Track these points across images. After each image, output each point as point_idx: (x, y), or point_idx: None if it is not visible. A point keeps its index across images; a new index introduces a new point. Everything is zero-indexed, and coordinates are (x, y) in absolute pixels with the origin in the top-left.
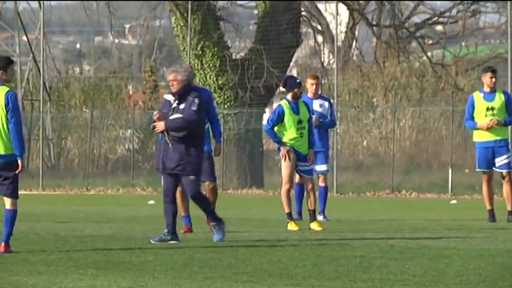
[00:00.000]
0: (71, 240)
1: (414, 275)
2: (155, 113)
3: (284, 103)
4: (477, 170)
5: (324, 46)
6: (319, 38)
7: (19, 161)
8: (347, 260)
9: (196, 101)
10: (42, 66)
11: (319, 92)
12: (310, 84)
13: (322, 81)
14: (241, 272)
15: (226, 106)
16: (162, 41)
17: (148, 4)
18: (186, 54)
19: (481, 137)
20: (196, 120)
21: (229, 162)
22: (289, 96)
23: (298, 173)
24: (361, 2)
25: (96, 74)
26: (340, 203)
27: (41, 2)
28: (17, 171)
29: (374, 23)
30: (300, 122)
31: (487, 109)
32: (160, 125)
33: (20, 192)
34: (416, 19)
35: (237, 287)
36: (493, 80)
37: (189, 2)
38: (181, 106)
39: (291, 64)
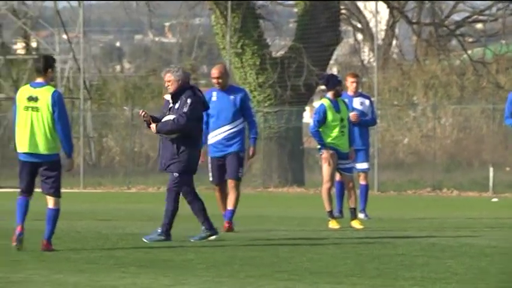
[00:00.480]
0: (112, 238)
1: (456, 273)
2: (140, 111)
3: (326, 102)
4: None
5: (363, 44)
6: (359, 36)
7: (70, 160)
8: (388, 258)
9: (189, 101)
10: (83, 65)
11: (360, 90)
12: (350, 82)
13: (362, 80)
14: (282, 271)
15: (266, 104)
16: (202, 39)
17: (188, 2)
18: (226, 53)
19: None
20: (185, 122)
21: (269, 160)
22: (330, 94)
23: (339, 171)
24: (401, 0)
25: (136, 72)
26: (381, 201)
27: (81, 0)
28: (67, 170)
29: (414, 21)
30: (341, 120)
31: None
32: (152, 128)
33: (61, 190)
34: (456, 17)
35: (278, 286)
36: None
37: (229, 0)
38: (176, 106)
39: (331, 62)
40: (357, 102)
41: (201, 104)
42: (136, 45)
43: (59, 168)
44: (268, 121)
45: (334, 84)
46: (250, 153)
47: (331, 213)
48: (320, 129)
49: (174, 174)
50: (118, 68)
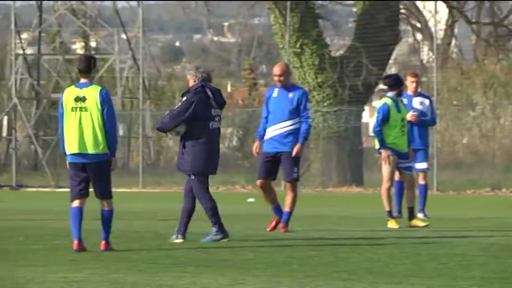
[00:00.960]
0: None
1: None
2: None
3: (388, 101)
4: None
5: (423, 44)
6: (418, 36)
7: (114, 159)
8: (447, 258)
9: (183, 99)
10: (142, 65)
11: (419, 90)
12: (410, 82)
13: (422, 79)
14: (341, 271)
15: (325, 104)
16: (261, 39)
17: (247, 2)
18: (285, 52)
19: None
20: (168, 120)
21: (329, 160)
22: (392, 94)
23: (400, 171)
24: (460, 0)
25: None
26: (440, 201)
27: (140, 0)
28: (111, 169)
29: (473, 20)
30: (402, 120)
31: None
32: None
33: (119, 190)
34: None
35: (337, 285)
36: None
37: (288, 0)
38: None
39: (390, 62)
40: (416, 102)
41: (203, 104)
42: (195, 45)
43: (108, 168)
44: (327, 121)
45: (399, 85)
46: (295, 151)
47: (390, 213)
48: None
49: (190, 176)
50: (177, 67)
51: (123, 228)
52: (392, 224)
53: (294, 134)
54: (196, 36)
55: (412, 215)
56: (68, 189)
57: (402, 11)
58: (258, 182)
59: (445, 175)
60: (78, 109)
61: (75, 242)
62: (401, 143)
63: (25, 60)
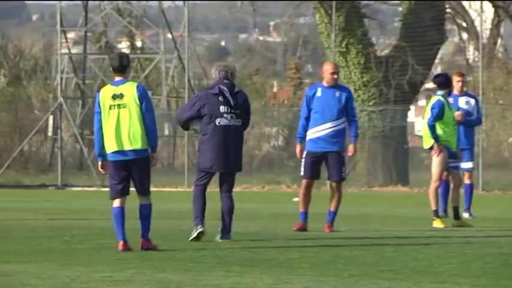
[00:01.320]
0: (216, 237)
1: None
2: None
3: (442, 99)
4: None
5: (468, 43)
6: (464, 35)
7: (155, 154)
8: (493, 257)
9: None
10: (187, 64)
11: (465, 89)
12: (456, 81)
13: (467, 79)
14: (386, 270)
15: (371, 103)
16: (307, 38)
17: (293, 1)
18: (331, 52)
19: None
20: (178, 114)
21: (374, 159)
22: (443, 93)
23: (448, 169)
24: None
25: (241, 71)
26: (485, 200)
27: (186, 0)
28: (152, 165)
29: None
30: (453, 118)
31: None
32: None
33: (165, 189)
34: None
35: (382, 285)
36: None
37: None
38: None
39: (436, 61)
40: (462, 102)
41: (210, 101)
42: (240, 44)
43: (148, 164)
44: (373, 120)
45: (448, 84)
46: (350, 152)
47: (436, 212)
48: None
49: None
50: None
51: (169, 228)
52: (437, 224)
53: (341, 133)
54: (242, 36)
55: (457, 215)
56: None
57: (448, 10)
58: (304, 181)
59: (490, 175)
60: (116, 106)
61: (121, 242)
62: (453, 142)
63: (71, 59)
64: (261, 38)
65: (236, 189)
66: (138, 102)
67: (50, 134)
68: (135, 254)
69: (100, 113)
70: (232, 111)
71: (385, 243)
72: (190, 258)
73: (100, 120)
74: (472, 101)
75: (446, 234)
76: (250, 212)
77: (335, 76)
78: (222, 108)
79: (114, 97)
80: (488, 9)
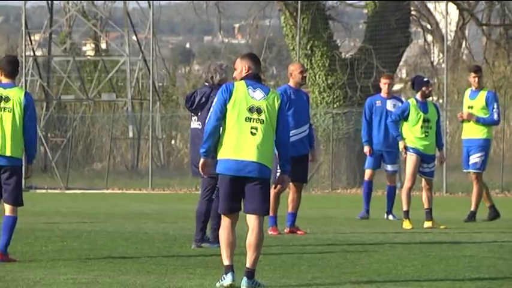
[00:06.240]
0: (179, 239)
1: None
2: None
3: (411, 101)
4: None
5: (433, 45)
6: (429, 38)
7: (31, 165)
8: (456, 259)
9: None
10: (152, 66)
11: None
12: (383, 84)
13: (434, 81)
14: (349, 272)
15: (335, 105)
16: (272, 41)
17: (258, 3)
18: (296, 54)
19: None
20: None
21: (338, 161)
22: (418, 95)
23: (420, 174)
24: (470, 1)
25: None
26: (449, 202)
27: (151, 1)
28: (27, 177)
29: (484, 22)
30: (427, 120)
31: None
32: None
33: (129, 191)
34: None
35: (345, 287)
36: None
37: (299, 1)
38: None
39: (401, 63)
40: (390, 104)
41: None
42: (205, 47)
43: (21, 174)
44: (337, 122)
45: (420, 84)
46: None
47: (407, 213)
48: (403, 128)
49: None
50: (187, 69)
51: (132, 230)
52: (406, 225)
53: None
54: (207, 38)
55: (429, 216)
56: (77, 191)
57: (413, 12)
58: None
59: (454, 177)
60: (2, 109)
61: None
62: (424, 145)
63: (35, 61)
64: (226, 40)
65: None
66: (23, 109)
67: None
68: (98, 256)
69: None
70: (194, 114)
71: (348, 245)
72: (154, 260)
73: None
74: (399, 104)
75: (409, 236)
76: None
77: (304, 75)
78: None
79: (0, 99)
80: (453, 11)
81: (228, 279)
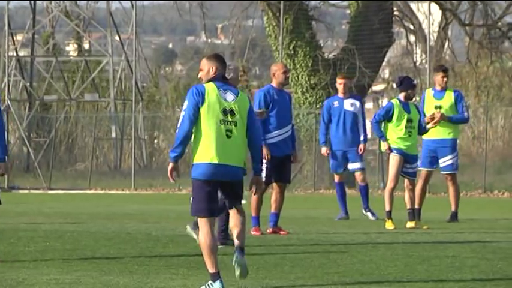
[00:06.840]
0: (162, 239)
1: (506, 275)
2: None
3: (395, 101)
4: None
5: (416, 46)
6: (412, 38)
7: (4, 164)
8: (439, 260)
9: None
10: (135, 67)
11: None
12: (338, 84)
13: (416, 81)
14: (332, 272)
15: (318, 106)
16: (255, 41)
17: (241, 4)
18: (278, 54)
19: None
20: None
21: (320, 162)
22: (401, 96)
23: (402, 175)
24: (453, 1)
25: (188, 73)
26: (432, 203)
27: (134, 1)
28: (1, 175)
29: (466, 22)
30: (410, 120)
31: None
32: None
33: (112, 191)
34: (509, 19)
35: (328, 287)
36: None
37: (281, 1)
38: None
39: (383, 64)
40: (347, 104)
41: None
42: (188, 47)
43: None
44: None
45: (408, 86)
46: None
47: (389, 214)
48: (387, 128)
49: None
50: (170, 69)
51: (115, 230)
52: (389, 225)
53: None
54: (190, 38)
55: (412, 217)
56: (60, 191)
57: (396, 13)
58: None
59: (436, 178)
60: None
61: None
62: (407, 145)
63: (18, 62)
64: (209, 40)
65: (183, 192)
66: None
67: None
68: (81, 256)
69: None
70: None
71: (331, 245)
72: (136, 260)
73: None
74: (357, 103)
75: (392, 236)
76: None
77: (288, 75)
78: None
79: None
80: (436, 11)
81: (216, 286)
